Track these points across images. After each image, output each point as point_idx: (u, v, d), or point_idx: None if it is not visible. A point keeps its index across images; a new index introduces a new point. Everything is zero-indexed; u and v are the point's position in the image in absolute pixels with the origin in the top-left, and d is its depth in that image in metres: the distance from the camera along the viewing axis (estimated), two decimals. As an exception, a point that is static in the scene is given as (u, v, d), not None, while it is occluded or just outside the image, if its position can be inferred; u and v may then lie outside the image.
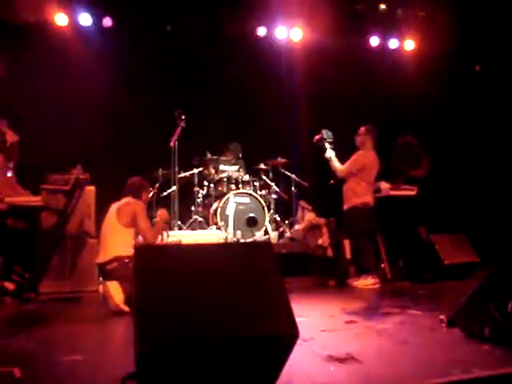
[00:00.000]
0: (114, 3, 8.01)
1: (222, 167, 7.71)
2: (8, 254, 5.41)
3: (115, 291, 4.44)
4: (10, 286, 5.26)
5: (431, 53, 8.85)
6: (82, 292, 5.62)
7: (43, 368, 2.78)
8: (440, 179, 6.99)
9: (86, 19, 7.97)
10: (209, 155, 7.70)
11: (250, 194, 7.35)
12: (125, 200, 4.93)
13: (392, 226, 6.47)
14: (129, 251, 4.59)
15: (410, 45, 9.09)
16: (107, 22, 8.10)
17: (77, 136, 7.42)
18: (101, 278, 5.91)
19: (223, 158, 7.84)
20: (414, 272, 6.19)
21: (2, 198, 5.37)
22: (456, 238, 6.41)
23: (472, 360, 2.72)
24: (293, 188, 7.97)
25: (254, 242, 6.01)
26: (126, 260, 4.58)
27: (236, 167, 7.77)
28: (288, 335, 2.21)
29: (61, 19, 7.78)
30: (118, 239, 4.76)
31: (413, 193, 6.50)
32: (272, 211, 7.63)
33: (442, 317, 3.50)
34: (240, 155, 7.99)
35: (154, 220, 5.20)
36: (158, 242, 6.18)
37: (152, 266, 2.25)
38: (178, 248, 2.75)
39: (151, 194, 5.62)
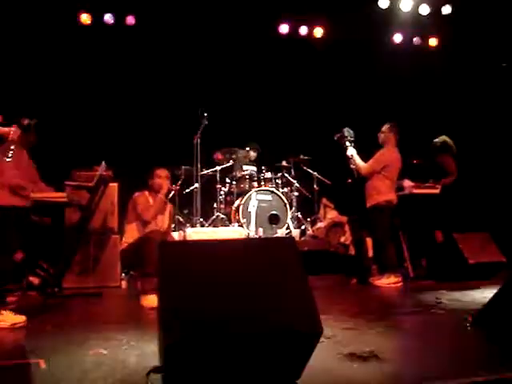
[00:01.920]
0: (136, 1, 8.07)
1: (244, 167, 7.73)
2: (33, 249, 5.48)
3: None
4: (34, 280, 5.35)
5: (456, 50, 8.75)
6: (104, 287, 5.68)
7: (68, 361, 2.81)
8: (464, 177, 6.88)
9: (109, 18, 8.05)
10: (230, 153, 7.73)
11: (272, 192, 7.35)
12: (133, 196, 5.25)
13: (415, 225, 6.40)
14: (129, 241, 5.04)
15: (433, 42, 9.02)
16: (130, 20, 8.18)
17: (100, 133, 7.51)
18: (123, 274, 6.01)
19: (242, 154, 7.84)
20: (438, 271, 6.11)
21: (28, 193, 5.44)
22: (481, 237, 6.31)
23: (497, 360, 2.68)
24: (315, 185, 7.94)
25: (278, 238, 5.97)
26: (125, 249, 5.09)
27: (254, 167, 7.77)
28: (311, 332, 2.20)
29: (84, 18, 7.89)
30: (124, 234, 5.21)
31: (436, 191, 6.42)
32: (294, 209, 7.62)
33: (466, 316, 3.45)
34: (258, 153, 8.00)
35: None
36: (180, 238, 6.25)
37: (176, 262, 2.27)
38: (202, 244, 2.75)
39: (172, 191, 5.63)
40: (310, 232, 7.36)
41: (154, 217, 5.09)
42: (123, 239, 5.23)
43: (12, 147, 4.61)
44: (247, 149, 7.90)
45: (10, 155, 4.47)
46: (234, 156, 7.76)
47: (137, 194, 5.21)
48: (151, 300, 4.40)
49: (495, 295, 3.31)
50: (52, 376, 2.57)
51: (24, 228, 5.44)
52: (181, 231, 6.71)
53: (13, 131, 4.78)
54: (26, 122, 5.23)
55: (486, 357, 2.82)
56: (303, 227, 7.56)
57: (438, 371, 2.55)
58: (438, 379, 2.42)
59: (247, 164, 7.86)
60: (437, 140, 6.81)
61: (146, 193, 5.22)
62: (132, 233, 5.05)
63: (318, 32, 8.80)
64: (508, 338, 3.02)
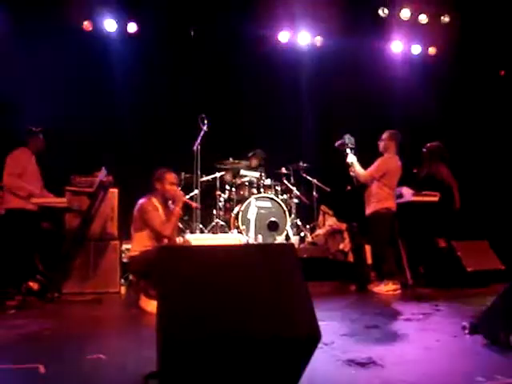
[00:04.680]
0: (138, 9, 8.12)
1: (242, 172, 7.72)
2: (33, 253, 5.50)
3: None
4: (34, 285, 5.35)
5: (454, 58, 8.80)
6: (104, 293, 5.68)
7: (67, 366, 2.82)
8: (462, 185, 6.90)
9: (110, 25, 8.09)
10: (231, 160, 7.74)
11: (272, 199, 7.36)
12: (139, 202, 4.92)
13: (414, 232, 6.41)
14: (141, 249, 4.75)
15: (432, 50, 9.07)
16: (132, 27, 8.21)
17: (101, 139, 7.53)
18: (122, 280, 6.02)
19: (244, 163, 7.86)
20: (436, 279, 6.12)
21: (25, 194, 5.46)
22: (479, 245, 6.32)
23: (496, 367, 2.68)
24: (314, 192, 7.95)
25: (278, 244, 5.96)
26: (136, 257, 4.78)
27: (257, 173, 7.76)
28: (310, 338, 2.21)
29: (86, 25, 7.92)
30: (133, 242, 4.93)
31: (435, 199, 6.43)
32: (293, 216, 7.63)
33: (464, 323, 3.46)
34: (263, 162, 8.00)
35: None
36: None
37: (175, 267, 2.27)
38: (201, 249, 2.77)
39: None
40: (309, 239, 7.37)
41: (172, 232, 4.88)
42: (132, 247, 4.95)
43: None
44: (250, 154, 7.90)
45: None
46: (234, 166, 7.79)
47: (143, 200, 4.89)
48: (154, 305, 4.37)
49: (493, 303, 3.31)
50: (51, 381, 2.57)
51: (34, 232, 5.48)
52: (180, 237, 6.71)
53: None
54: (33, 129, 5.43)
55: (484, 364, 2.82)
56: (302, 234, 7.57)
57: (436, 378, 2.56)
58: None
59: (249, 170, 7.84)
60: (429, 145, 6.80)
61: (154, 199, 4.91)
62: (143, 241, 4.80)
63: (318, 41, 8.84)
64: (507, 345, 3.02)
